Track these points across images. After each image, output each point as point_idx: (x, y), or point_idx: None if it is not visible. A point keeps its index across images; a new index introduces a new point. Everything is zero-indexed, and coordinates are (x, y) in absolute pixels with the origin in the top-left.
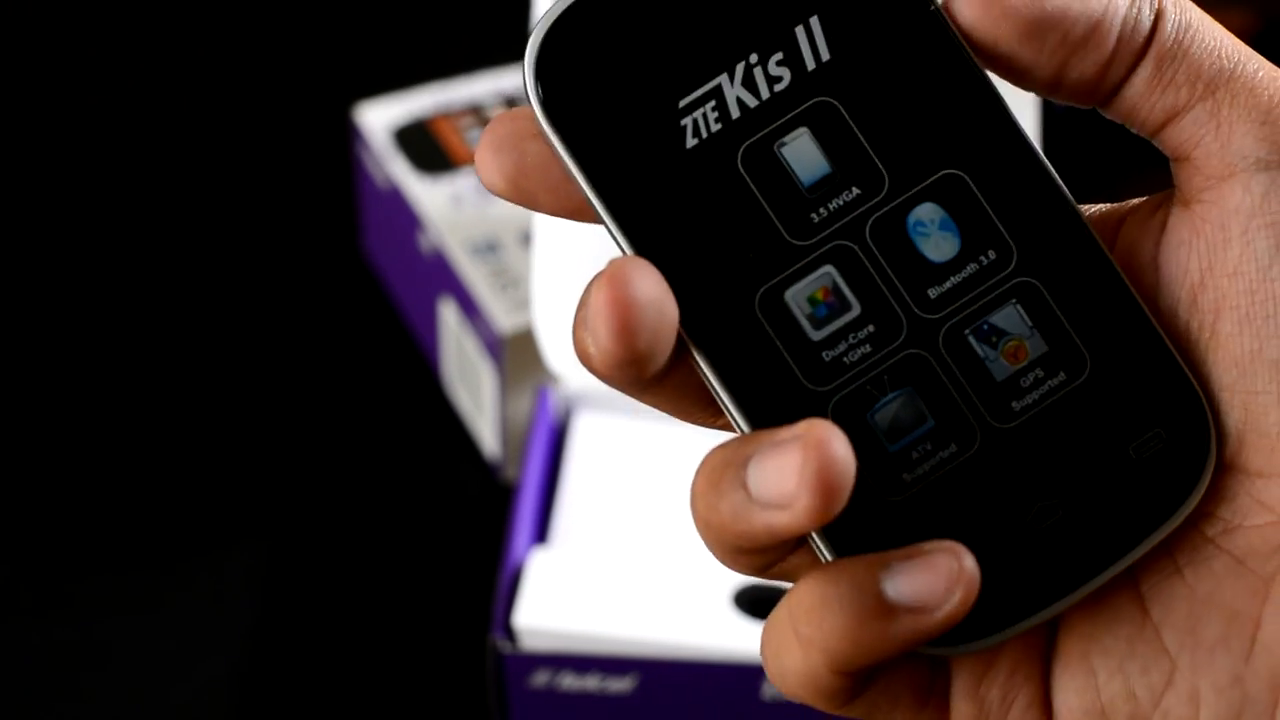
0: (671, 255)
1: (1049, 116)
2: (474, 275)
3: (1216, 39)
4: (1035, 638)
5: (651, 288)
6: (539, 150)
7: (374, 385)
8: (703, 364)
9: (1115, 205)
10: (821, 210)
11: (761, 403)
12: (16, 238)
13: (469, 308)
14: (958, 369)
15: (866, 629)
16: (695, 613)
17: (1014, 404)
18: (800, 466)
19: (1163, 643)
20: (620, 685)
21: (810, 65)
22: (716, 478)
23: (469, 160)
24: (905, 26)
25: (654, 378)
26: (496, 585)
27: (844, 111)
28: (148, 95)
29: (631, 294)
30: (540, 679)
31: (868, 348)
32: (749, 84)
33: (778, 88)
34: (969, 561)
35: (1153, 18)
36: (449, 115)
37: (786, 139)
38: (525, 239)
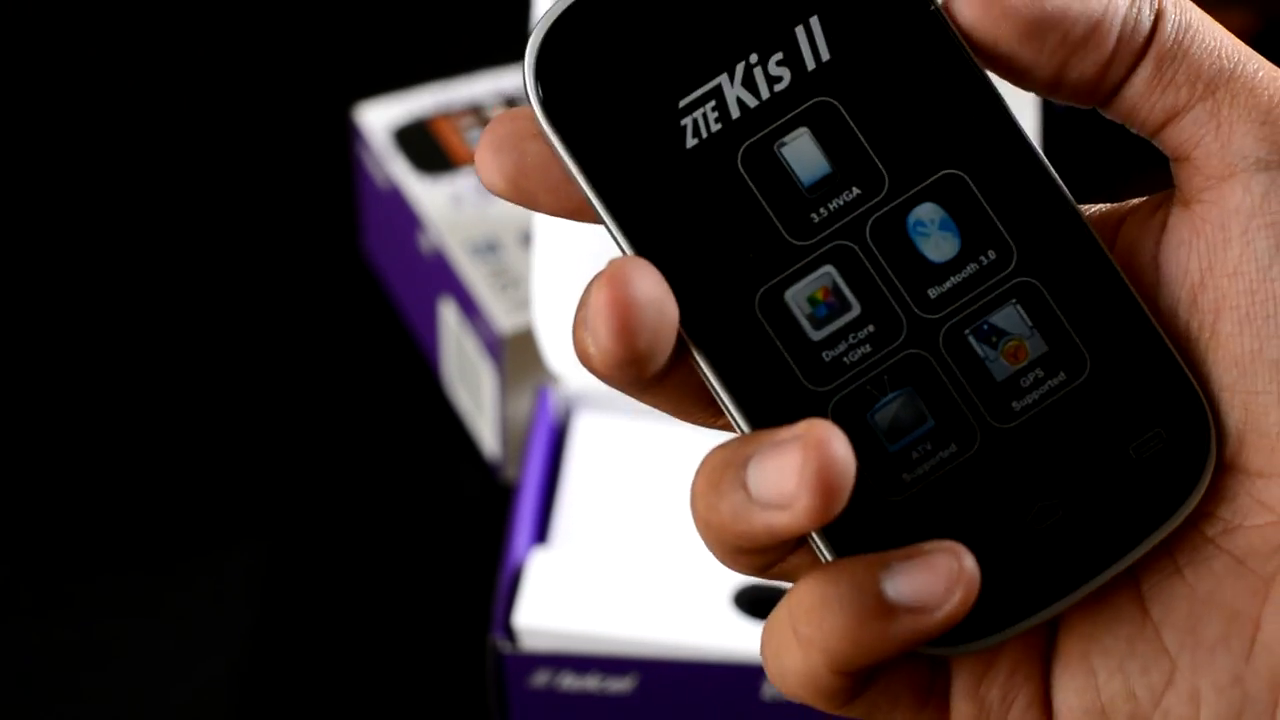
0: (671, 255)
1: (1049, 117)
2: (474, 275)
3: (1216, 39)
4: (1035, 637)
5: (651, 288)
6: (539, 150)
7: (374, 385)
8: (703, 364)
9: (1115, 205)
10: (821, 210)
11: (761, 403)
12: (16, 238)
13: (469, 308)
14: (958, 369)
15: (866, 629)
16: (695, 613)
17: (1014, 404)
18: (800, 467)
19: (1163, 642)
20: (620, 685)
21: (810, 65)
22: (716, 478)
23: (469, 160)
24: (905, 26)
25: (654, 378)
26: (496, 585)
27: (844, 111)
28: (148, 95)
29: (631, 294)
30: (540, 679)
31: (868, 348)
32: (749, 84)
33: (778, 88)
34: (969, 561)
35: (1153, 18)
36: (449, 115)
37: (786, 139)
38: (525, 239)
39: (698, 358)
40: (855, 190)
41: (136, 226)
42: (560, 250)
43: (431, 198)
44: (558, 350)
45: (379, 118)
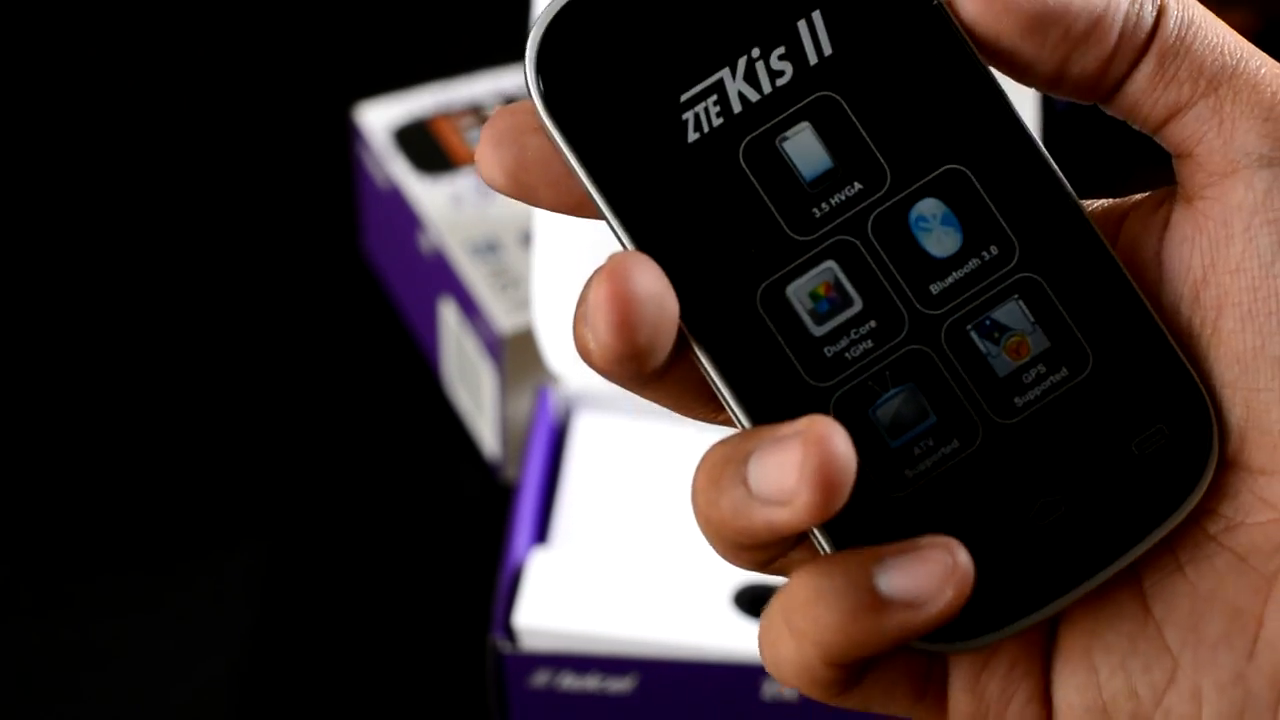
0: (673, 250)
1: (1051, 114)
2: (474, 275)
3: (1219, 35)
4: (1035, 633)
5: (651, 283)
6: (539, 145)
7: (374, 385)
8: (704, 359)
9: (1118, 201)
10: (823, 205)
11: (763, 398)
12: (16, 238)
13: (469, 308)
14: (960, 365)
15: (858, 623)
16: (695, 613)
17: (1016, 400)
18: (801, 463)
19: (1165, 640)
20: (620, 685)
21: (812, 60)
22: (717, 473)
23: (469, 160)
24: (907, 21)
25: (655, 373)
26: (496, 585)
27: (846, 106)
28: (148, 95)
29: (631, 289)
30: (540, 679)
31: (870, 343)
32: (751, 78)
33: (780, 82)
34: (963, 557)
35: (1155, 14)
36: (449, 115)
37: (788, 134)
38: (525, 239)
39: (699, 353)
40: (857, 185)
41: (137, 226)
42: (560, 250)
43: (431, 198)
44: (558, 350)
45: (379, 118)
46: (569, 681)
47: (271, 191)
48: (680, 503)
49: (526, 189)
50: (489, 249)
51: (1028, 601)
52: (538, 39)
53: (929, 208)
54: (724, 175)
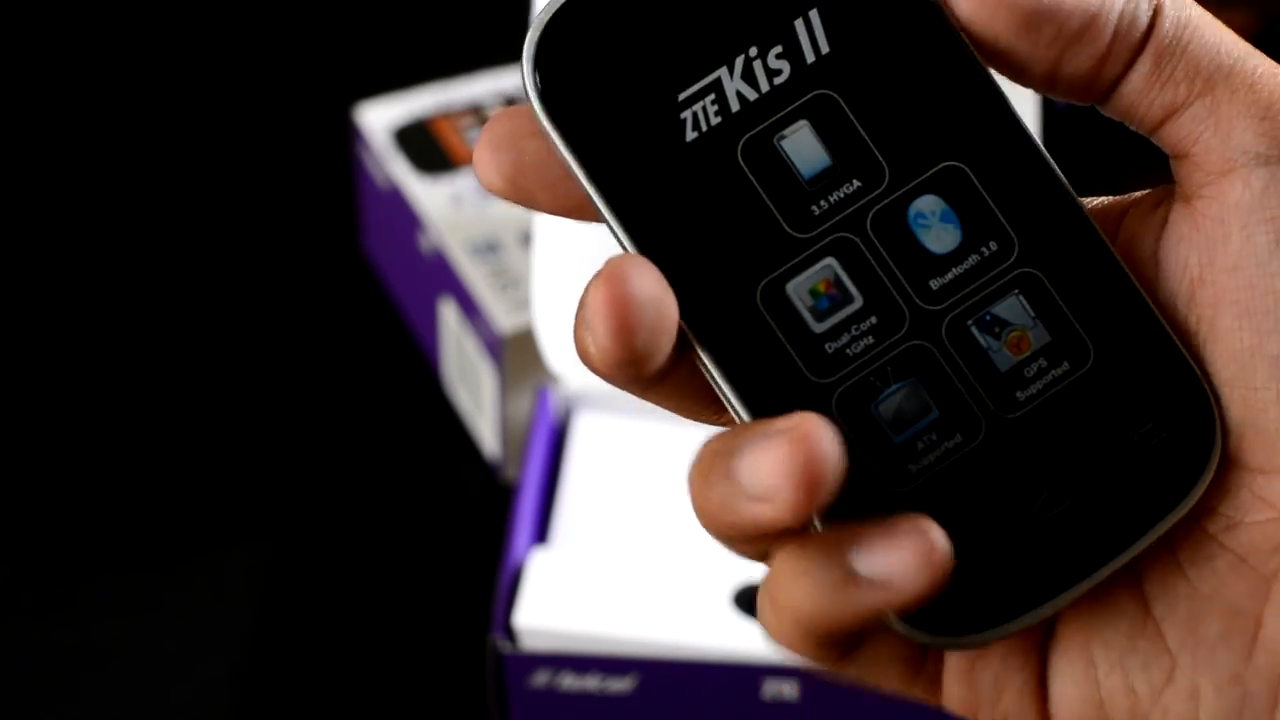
0: (672, 249)
1: (1050, 115)
2: (474, 275)
3: (1216, 35)
4: (1033, 625)
5: (650, 285)
6: (537, 148)
7: (374, 385)
8: (705, 358)
9: (1116, 199)
10: (822, 203)
11: (764, 397)
12: (16, 238)
13: (469, 308)
14: (961, 360)
15: (832, 599)
16: (695, 613)
17: (1018, 394)
18: (785, 460)
19: (1164, 639)
20: (620, 685)
21: (810, 58)
22: (708, 467)
23: (469, 160)
24: (904, 19)
25: (655, 376)
26: (496, 585)
27: (844, 104)
28: (148, 95)
29: (630, 292)
30: (540, 679)
31: (870, 339)
32: (748, 77)
33: (777, 81)
34: (938, 537)
35: (1151, 13)
36: (449, 115)
37: (786, 132)
38: (525, 239)
39: (700, 352)
40: (856, 183)
41: (137, 226)
42: (560, 250)
43: (431, 198)
44: (558, 350)
45: (379, 118)
46: (569, 681)
47: (272, 192)
48: (680, 503)
49: (525, 193)
50: (489, 249)
51: (1031, 597)
52: (535, 39)
53: (928, 204)
54: (722, 174)
